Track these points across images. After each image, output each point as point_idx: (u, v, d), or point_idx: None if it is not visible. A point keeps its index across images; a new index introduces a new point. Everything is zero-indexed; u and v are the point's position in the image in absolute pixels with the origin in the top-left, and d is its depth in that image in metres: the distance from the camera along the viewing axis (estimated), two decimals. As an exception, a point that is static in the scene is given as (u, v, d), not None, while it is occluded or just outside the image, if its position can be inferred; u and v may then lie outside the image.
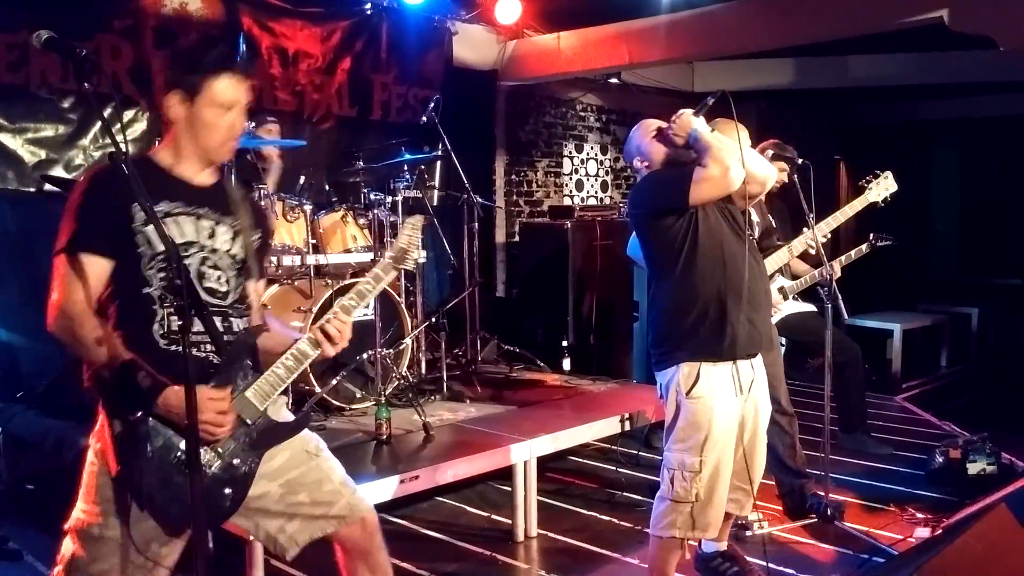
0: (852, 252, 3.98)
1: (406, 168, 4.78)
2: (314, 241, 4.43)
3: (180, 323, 1.68)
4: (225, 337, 1.97)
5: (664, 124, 2.85)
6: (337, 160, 5.47)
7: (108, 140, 1.77)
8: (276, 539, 2.07)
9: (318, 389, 4.13)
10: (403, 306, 4.58)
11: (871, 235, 4.02)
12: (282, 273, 4.40)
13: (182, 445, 1.86)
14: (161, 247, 1.85)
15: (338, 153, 5.60)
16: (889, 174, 3.83)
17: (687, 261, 2.71)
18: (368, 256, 4.50)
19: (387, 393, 4.22)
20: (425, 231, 5.14)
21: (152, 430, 1.85)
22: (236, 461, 1.95)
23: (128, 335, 1.88)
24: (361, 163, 4.73)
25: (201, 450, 1.85)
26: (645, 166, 2.88)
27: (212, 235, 2.00)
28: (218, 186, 2.06)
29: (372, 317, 4.29)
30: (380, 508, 3.60)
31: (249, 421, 1.96)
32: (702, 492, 2.68)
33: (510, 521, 3.67)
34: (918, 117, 9.44)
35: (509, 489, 3.71)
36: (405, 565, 3.35)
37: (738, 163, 2.63)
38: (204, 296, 1.95)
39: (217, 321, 1.96)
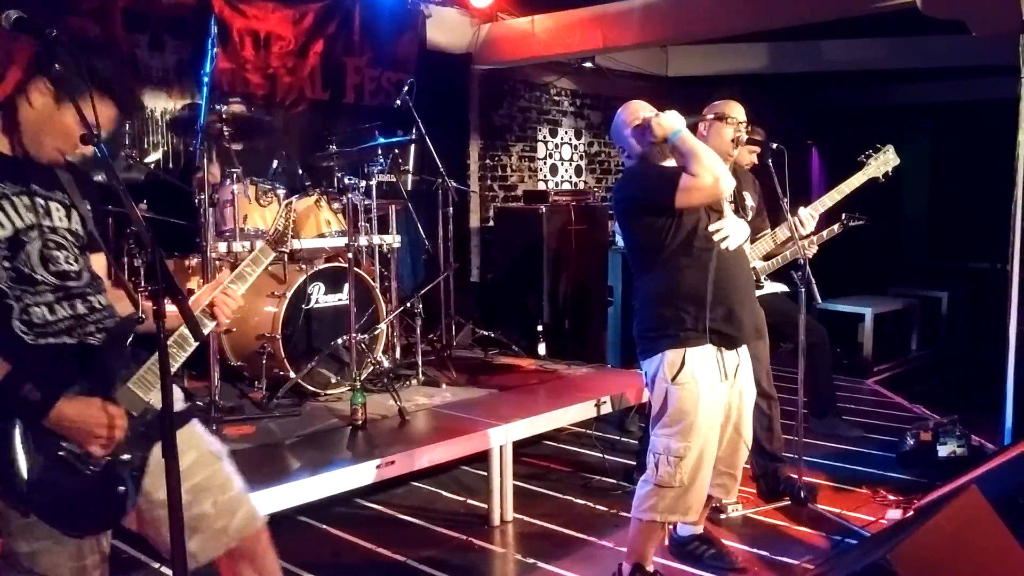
0: (824, 232, 3.99)
1: (380, 152, 4.73)
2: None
3: (156, 309, 1.62)
4: (92, 318, 1.88)
5: (649, 115, 2.81)
6: (310, 144, 5.41)
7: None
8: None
9: (292, 375, 4.10)
10: (378, 291, 4.54)
11: (843, 215, 4.03)
12: (255, 258, 4.34)
13: (63, 444, 1.75)
14: (3, 234, 1.77)
15: (311, 137, 5.53)
16: (890, 148, 3.74)
17: (672, 254, 2.72)
18: (342, 241, 4.44)
19: (362, 378, 4.19)
20: (399, 216, 5.14)
21: (25, 431, 1.72)
22: (125, 456, 1.83)
23: None
24: (334, 147, 4.68)
25: (85, 450, 1.77)
26: (625, 156, 2.91)
27: (47, 213, 1.88)
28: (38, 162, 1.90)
29: (347, 302, 4.25)
30: (356, 493, 3.61)
31: (135, 413, 1.85)
32: (686, 477, 2.70)
33: (486, 506, 3.67)
34: (889, 101, 9.52)
35: (484, 474, 3.71)
36: (381, 550, 3.35)
37: (726, 170, 2.66)
38: (54, 280, 1.83)
39: (78, 303, 1.87)
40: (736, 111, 3.32)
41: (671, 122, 2.73)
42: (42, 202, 1.87)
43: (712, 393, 2.73)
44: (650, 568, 2.88)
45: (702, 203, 2.71)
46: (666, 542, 3.21)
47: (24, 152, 1.86)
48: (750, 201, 3.65)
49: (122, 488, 1.83)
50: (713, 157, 2.65)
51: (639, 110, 2.85)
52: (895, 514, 3.57)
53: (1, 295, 1.78)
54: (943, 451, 4.09)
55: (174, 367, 1.88)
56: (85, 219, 1.96)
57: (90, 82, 1.76)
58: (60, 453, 1.75)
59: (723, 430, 2.82)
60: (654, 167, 2.81)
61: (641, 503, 2.79)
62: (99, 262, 2.02)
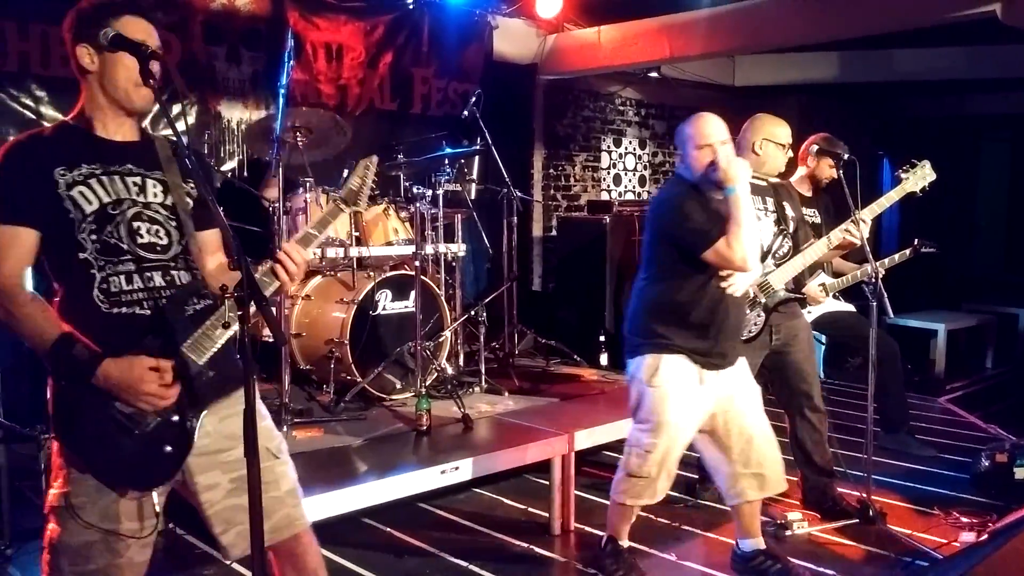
0: (896, 256, 3.92)
1: (446, 162, 4.81)
2: (357, 234, 4.48)
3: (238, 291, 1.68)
4: (167, 292, 1.91)
5: (716, 142, 2.82)
6: (378, 153, 5.49)
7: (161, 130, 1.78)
8: (219, 541, 2.03)
9: (359, 379, 4.19)
10: (443, 299, 4.61)
11: (915, 241, 3.95)
12: (326, 265, 4.46)
13: (116, 404, 1.82)
14: (90, 208, 1.84)
15: (379, 146, 5.64)
16: (927, 163, 3.71)
17: (683, 278, 2.90)
18: (409, 249, 4.53)
19: (427, 385, 4.25)
20: (464, 224, 5.21)
21: (85, 392, 1.81)
22: (175, 418, 1.87)
23: (69, 304, 1.86)
24: (402, 156, 4.77)
25: (135, 408, 1.82)
26: (680, 161, 3.00)
27: (142, 190, 1.94)
28: (142, 143, 1.99)
29: (413, 309, 4.33)
30: (418, 497, 3.67)
31: (186, 376, 1.85)
32: (652, 470, 2.97)
33: (547, 514, 3.68)
34: (966, 112, 9.23)
35: (545, 482, 3.73)
36: (444, 555, 3.39)
37: (756, 256, 2.83)
38: (140, 252, 1.90)
39: (157, 275, 1.91)
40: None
41: (735, 175, 2.77)
42: (137, 180, 1.94)
43: (684, 398, 2.92)
44: (624, 543, 3.17)
45: (723, 269, 2.86)
46: (715, 553, 3.19)
47: (120, 117, 1.94)
48: (790, 212, 3.62)
49: (168, 449, 1.87)
50: (750, 235, 2.76)
51: (710, 132, 2.85)
52: (969, 537, 3.46)
53: (87, 265, 1.86)
54: (1020, 473, 3.96)
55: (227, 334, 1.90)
56: (181, 199, 1.99)
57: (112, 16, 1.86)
58: (112, 414, 1.82)
59: (725, 434, 3.00)
60: (700, 210, 2.83)
61: (616, 487, 3.09)
62: (208, 239, 2.07)
